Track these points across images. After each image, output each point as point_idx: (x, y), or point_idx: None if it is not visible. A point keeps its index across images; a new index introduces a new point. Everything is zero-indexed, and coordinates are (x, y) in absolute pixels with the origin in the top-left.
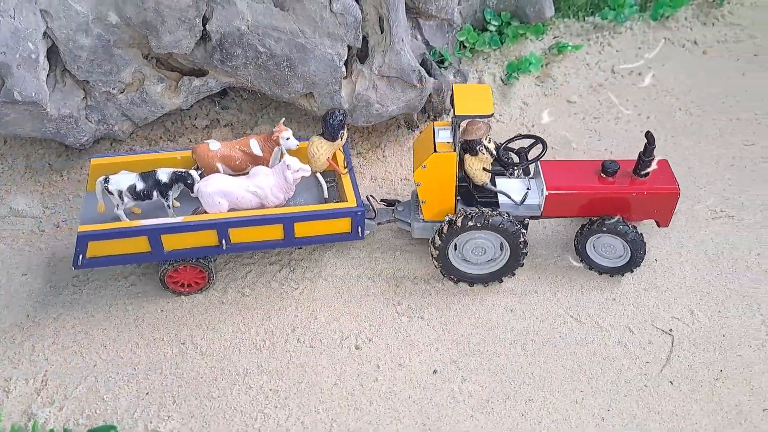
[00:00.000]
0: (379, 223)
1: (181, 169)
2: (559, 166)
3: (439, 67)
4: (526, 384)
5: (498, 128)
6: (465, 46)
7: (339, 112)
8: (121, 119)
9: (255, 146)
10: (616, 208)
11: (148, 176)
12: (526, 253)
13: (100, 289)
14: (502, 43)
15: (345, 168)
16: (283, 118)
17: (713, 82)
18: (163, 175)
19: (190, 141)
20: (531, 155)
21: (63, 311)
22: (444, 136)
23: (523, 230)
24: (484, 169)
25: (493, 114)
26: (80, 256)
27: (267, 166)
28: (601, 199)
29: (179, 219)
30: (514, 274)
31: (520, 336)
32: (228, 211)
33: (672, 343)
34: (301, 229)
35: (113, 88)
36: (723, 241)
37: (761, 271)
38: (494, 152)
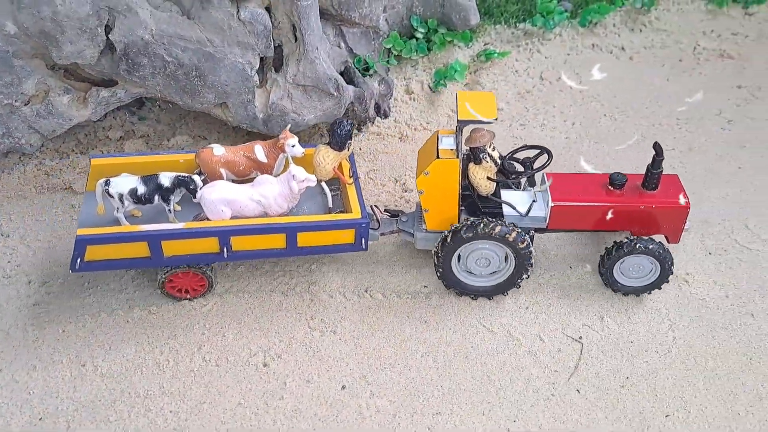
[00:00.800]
0: (382, 234)
1: (184, 174)
2: (565, 178)
3: (364, 75)
4: (435, 397)
5: (425, 136)
6: (392, 54)
7: (347, 122)
8: (28, 132)
9: (260, 152)
10: (624, 221)
11: (149, 180)
12: (533, 264)
13: None
14: (429, 51)
15: (350, 178)
16: (289, 125)
17: (638, 87)
18: (166, 179)
19: (102, 153)
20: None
21: None
22: (447, 143)
23: (529, 239)
24: (488, 178)
25: (495, 120)
26: (78, 260)
27: (271, 173)
28: (607, 212)
29: (181, 225)
30: (519, 287)
31: (432, 348)
32: (231, 218)
33: (581, 351)
34: (304, 239)
35: (16, 101)
36: None
37: (672, 276)
38: (498, 161)
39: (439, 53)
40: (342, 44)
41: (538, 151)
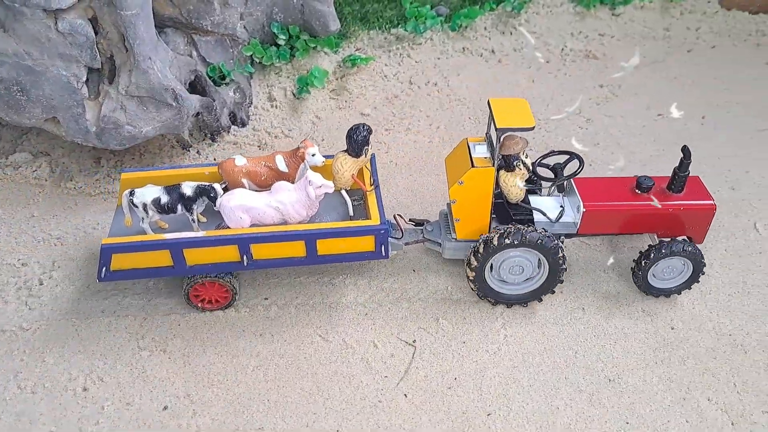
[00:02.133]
0: (407, 243)
1: (205, 183)
2: (592, 183)
3: (220, 84)
4: (260, 411)
5: (285, 143)
6: (254, 61)
7: (363, 127)
8: None
9: (280, 162)
10: (653, 224)
11: (172, 190)
12: (566, 269)
13: None
14: (293, 57)
15: (371, 185)
16: (309, 136)
17: (504, 89)
18: (188, 188)
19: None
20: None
21: None
22: (480, 151)
23: (561, 245)
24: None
25: (534, 127)
26: (104, 269)
27: (292, 182)
28: (638, 215)
29: (201, 233)
30: (553, 292)
31: (264, 361)
32: (251, 226)
33: (413, 355)
34: (324, 247)
35: None
36: None
37: None
38: (531, 168)
39: (302, 60)
40: (194, 53)
41: (568, 157)
